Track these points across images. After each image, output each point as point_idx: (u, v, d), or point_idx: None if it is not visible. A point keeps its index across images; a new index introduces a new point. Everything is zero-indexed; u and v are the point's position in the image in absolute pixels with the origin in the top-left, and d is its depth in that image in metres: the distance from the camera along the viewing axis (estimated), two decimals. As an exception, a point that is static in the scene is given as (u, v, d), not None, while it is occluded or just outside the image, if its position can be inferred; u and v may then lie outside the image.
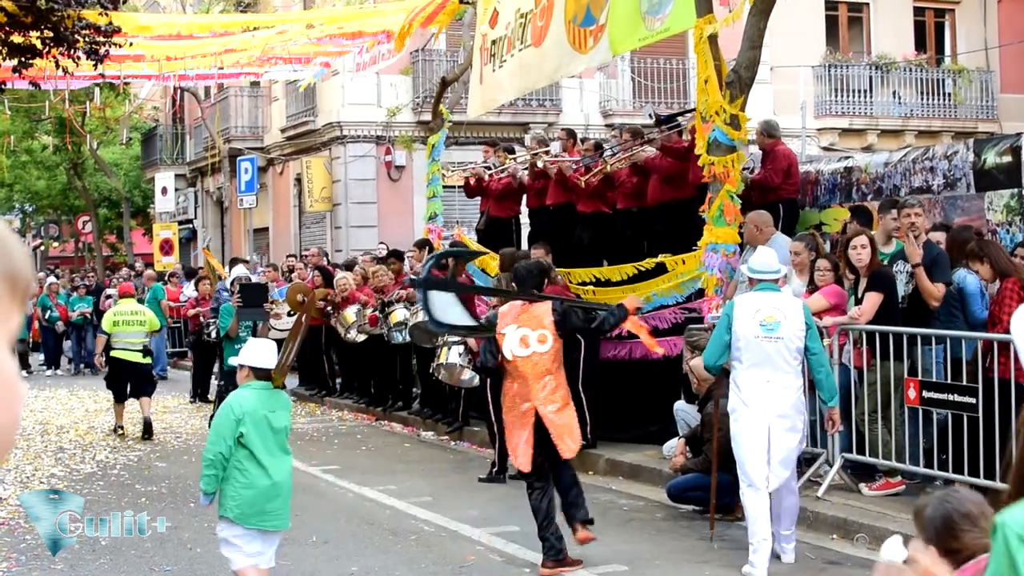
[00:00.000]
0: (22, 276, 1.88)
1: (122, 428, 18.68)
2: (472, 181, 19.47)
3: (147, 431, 18.19)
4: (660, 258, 15.04)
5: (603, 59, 16.72)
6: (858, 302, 11.82)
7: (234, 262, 20.31)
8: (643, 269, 15.39)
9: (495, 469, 14.21)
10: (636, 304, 10.89)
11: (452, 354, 15.46)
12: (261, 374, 8.51)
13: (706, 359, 10.40)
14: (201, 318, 22.13)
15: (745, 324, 10.01)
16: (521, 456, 10.05)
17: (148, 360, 19.30)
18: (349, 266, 22.64)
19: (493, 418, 13.79)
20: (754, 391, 9.99)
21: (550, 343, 9.99)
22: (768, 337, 9.96)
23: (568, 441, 9.97)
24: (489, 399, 14.00)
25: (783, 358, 10.00)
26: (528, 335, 10.01)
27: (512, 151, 19.85)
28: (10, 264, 1.85)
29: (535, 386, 9.95)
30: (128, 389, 18.71)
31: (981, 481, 10.41)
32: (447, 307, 10.30)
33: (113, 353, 18.63)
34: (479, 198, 20.10)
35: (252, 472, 8.18)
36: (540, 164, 17.59)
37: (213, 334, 20.07)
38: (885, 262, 12.06)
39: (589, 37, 15.40)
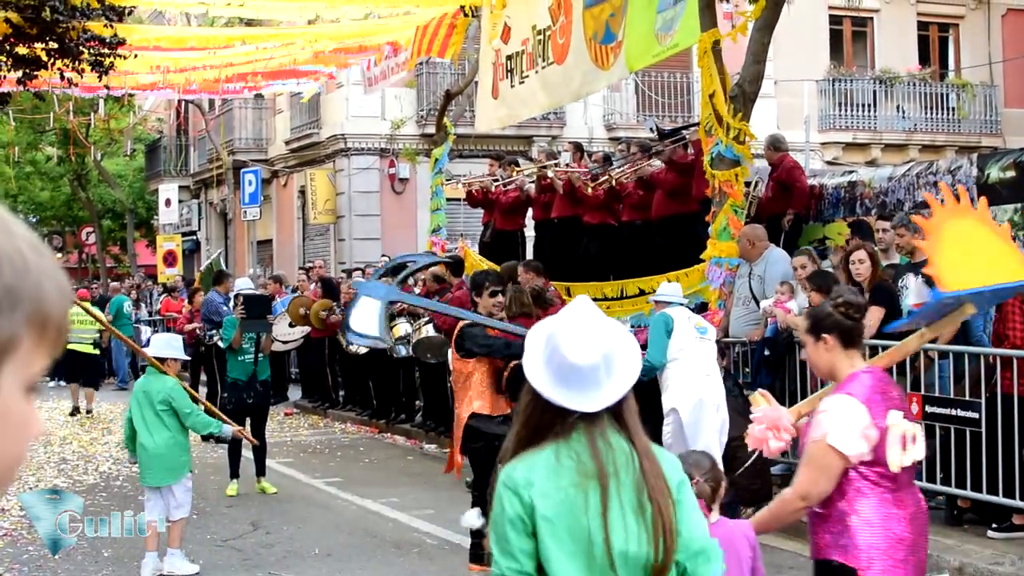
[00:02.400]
0: (54, 317, 1.63)
1: (77, 409, 23.47)
2: (476, 192, 19.50)
3: (74, 412, 23.18)
4: (662, 277, 15.10)
5: (621, 75, 16.82)
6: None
7: (219, 276, 20.35)
8: (643, 289, 15.45)
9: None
10: None
11: (428, 329, 15.68)
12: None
13: (654, 359, 10.90)
14: (198, 331, 22.07)
15: (683, 328, 10.97)
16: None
17: (96, 351, 24.34)
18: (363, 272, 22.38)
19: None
20: (698, 384, 10.88)
21: (451, 362, 10.96)
22: (702, 339, 11.05)
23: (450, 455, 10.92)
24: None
25: (712, 357, 11.19)
26: (451, 351, 10.94)
27: (517, 163, 19.89)
28: (39, 304, 1.61)
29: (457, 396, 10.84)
30: (81, 381, 23.71)
31: (984, 496, 10.41)
32: (368, 317, 10.70)
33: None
34: (482, 211, 20.13)
35: None
36: (550, 174, 17.65)
37: (216, 340, 20.26)
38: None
39: (610, 54, 15.49)
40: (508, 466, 3.67)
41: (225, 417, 11.75)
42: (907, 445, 5.25)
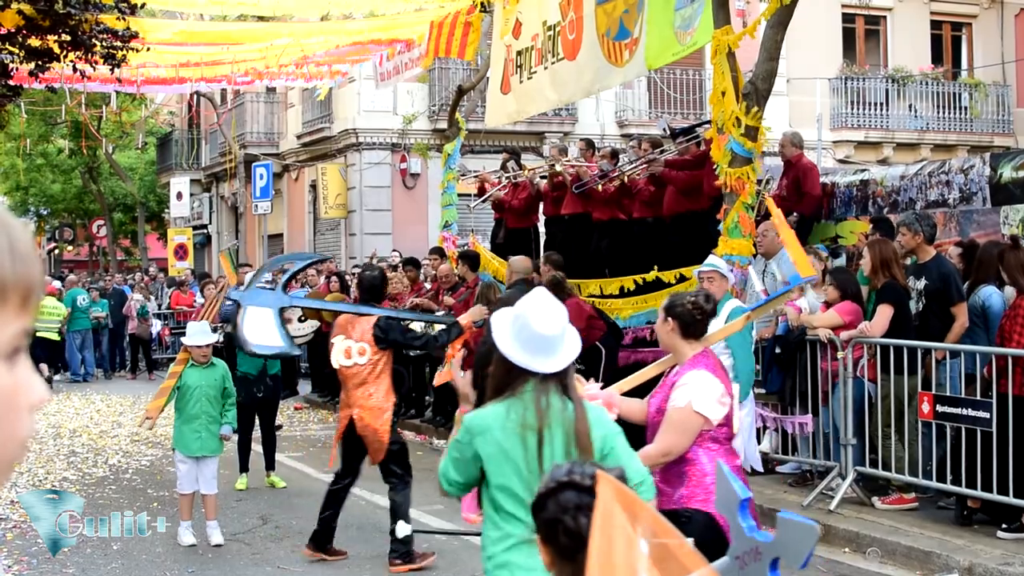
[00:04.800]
0: (19, 282, 1.59)
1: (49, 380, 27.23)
2: (485, 187, 19.62)
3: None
4: (656, 273, 15.12)
5: (638, 72, 16.72)
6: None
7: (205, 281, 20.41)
8: (641, 282, 15.46)
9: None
10: (473, 319, 11.30)
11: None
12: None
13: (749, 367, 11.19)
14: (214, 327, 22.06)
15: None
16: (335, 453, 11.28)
17: (60, 338, 29.04)
18: (394, 267, 22.24)
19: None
20: None
21: (368, 355, 10.85)
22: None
23: (375, 447, 10.95)
24: None
25: None
26: (351, 347, 10.86)
27: (519, 156, 20.00)
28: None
29: (354, 393, 10.91)
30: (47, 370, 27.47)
31: (994, 496, 10.38)
32: (264, 328, 10.87)
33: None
34: (492, 209, 20.17)
35: None
36: (559, 167, 17.65)
37: (219, 336, 20.29)
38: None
39: (624, 50, 15.39)
40: (471, 416, 4.97)
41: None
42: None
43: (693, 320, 6.50)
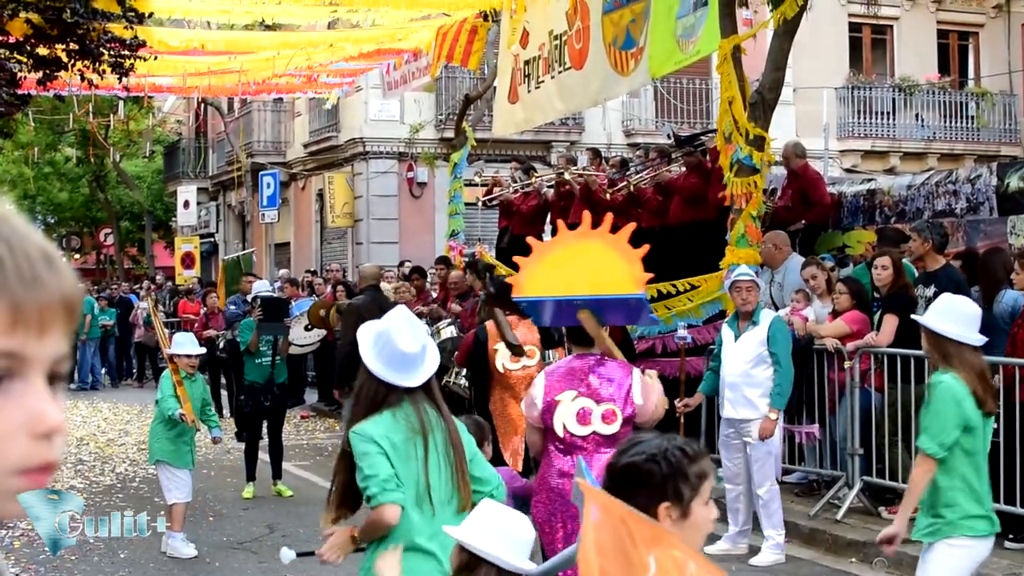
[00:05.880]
0: (38, 300, 1.49)
1: None
2: (500, 203, 19.68)
3: None
4: (676, 282, 15.10)
5: (643, 81, 16.74)
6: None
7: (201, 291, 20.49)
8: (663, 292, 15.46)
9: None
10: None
11: (451, 330, 15.52)
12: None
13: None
14: (217, 336, 22.07)
15: None
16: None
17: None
18: (406, 276, 21.87)
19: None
20: None
21: (536, 357, 11.07)
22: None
23: None
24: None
25: None
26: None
27: (534, 169, 19.94)
28: (13, 287, 1.47)
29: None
30: None
31: (1002, 506, 10.37)
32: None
33: None
34: (498, 216, 20.17)
35: None
36: (568, 176, 17.66)
37: (221, 344, 20.45)
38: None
39: (631, 60, 15.38)
40: (359, 426, 5.20)
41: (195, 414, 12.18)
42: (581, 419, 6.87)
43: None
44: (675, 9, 14.17)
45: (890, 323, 11.61)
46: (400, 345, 5.16)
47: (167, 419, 11.79)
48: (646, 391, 6.86)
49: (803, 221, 15.23)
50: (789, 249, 13.70)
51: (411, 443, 5.18)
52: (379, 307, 16.00)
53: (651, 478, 3.49)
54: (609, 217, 6.75)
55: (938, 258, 11.95)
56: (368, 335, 5.26)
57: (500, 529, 4.25)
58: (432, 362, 5.32)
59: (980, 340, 6.52)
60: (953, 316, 6.52)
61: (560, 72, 17.30)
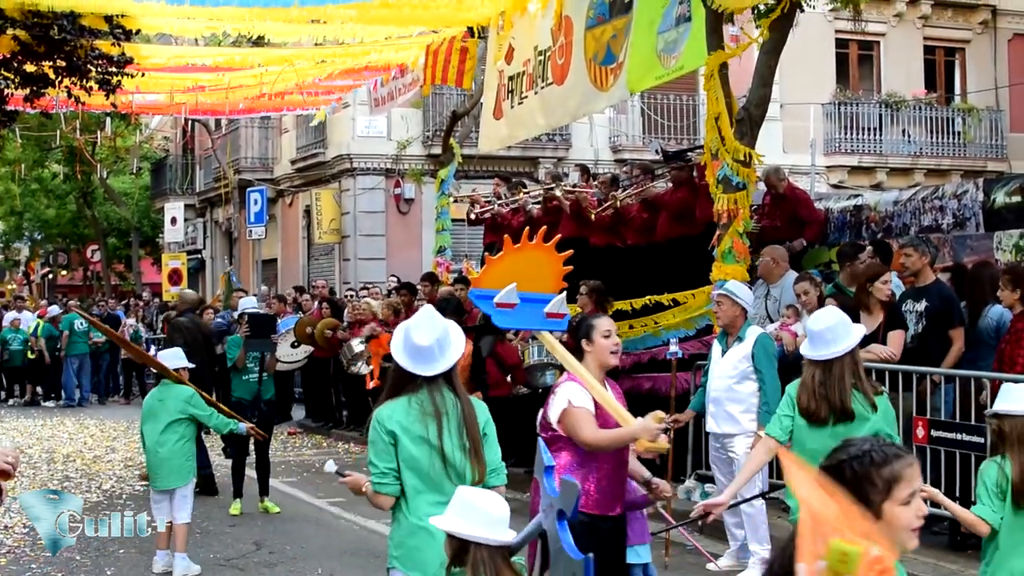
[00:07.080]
0: None
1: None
2: (486, 218, 19.66)
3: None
4: (663, 296, 15.10)
5: (621, 96, 16.71)
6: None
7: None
8: (639, 307, 15.46)
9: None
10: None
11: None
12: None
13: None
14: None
15: None
16: None
17: (33, 356, 30.73)
18: (391, 292, 21.80)
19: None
20: None
21: None
22: None
23: None
24: None
25: None
26: None
27: (524, 185, 19.93)
28: None
29: None
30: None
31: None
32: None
33: None
34: (488, 229, 20.15)
35: None
36: (558, 193, 17.65)
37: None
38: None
39: (610, 75, 15.35)
40: (378, 409, 5.97)
41: (234, 413, 12.43)
42: None
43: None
44: (656, 24, 14.14)
45: (897, 338, 11.61)
46: (416, 339, 5.84)
47: (193, 436, 11.66)
48: (554, 404, 7.20)
49: (803, 240, 15.26)
50: (787, 265, 13.71)
51: (423, 425, 5.83)
52: (196, 327, 17.41)
53: (841, 483, 3.58)
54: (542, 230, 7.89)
55: (929, 273, 11.98)
56: (398, 332, 5.98)
57: (479, 511, 4.78)
58: (453, 354, 5.92)
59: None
60: None
61: (543, 88, 17.29)
